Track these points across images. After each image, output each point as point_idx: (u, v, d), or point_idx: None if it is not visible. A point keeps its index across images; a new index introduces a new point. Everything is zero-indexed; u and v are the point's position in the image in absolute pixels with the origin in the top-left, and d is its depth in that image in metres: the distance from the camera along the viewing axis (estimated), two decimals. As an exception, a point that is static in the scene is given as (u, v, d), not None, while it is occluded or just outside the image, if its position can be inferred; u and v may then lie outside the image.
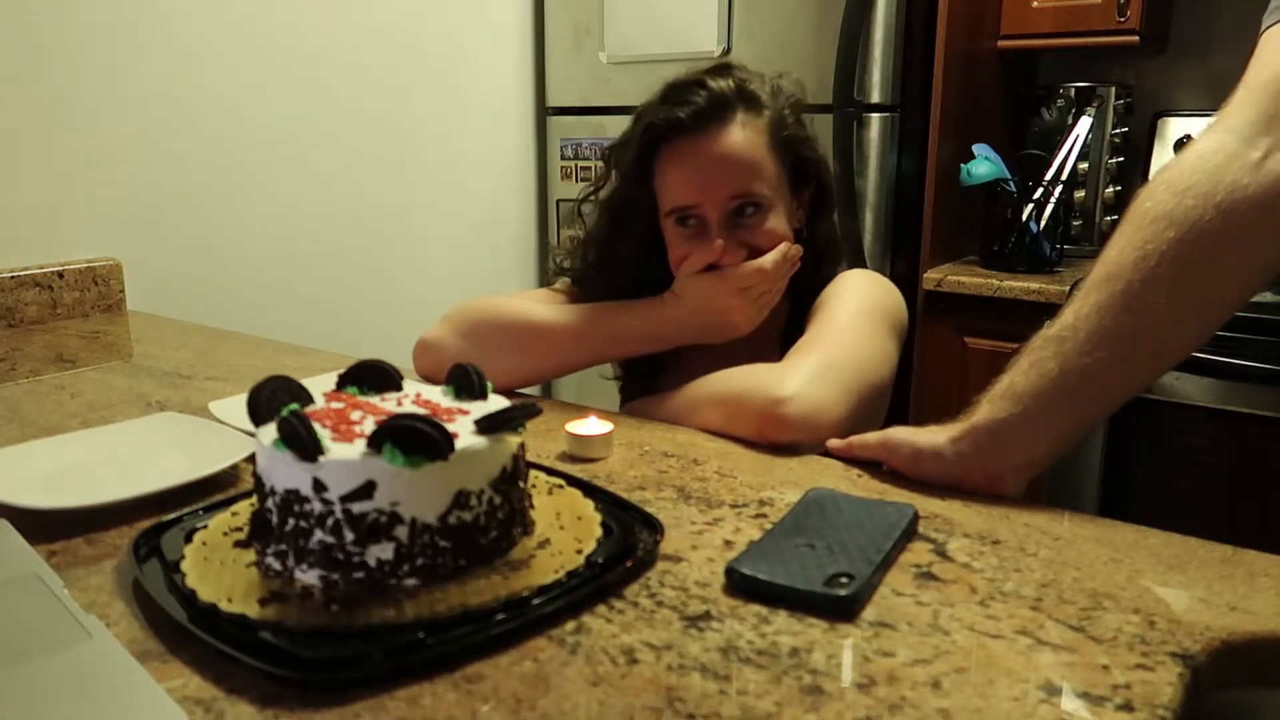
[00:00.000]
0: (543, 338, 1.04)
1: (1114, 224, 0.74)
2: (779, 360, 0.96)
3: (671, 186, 1.03)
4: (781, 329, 1.11)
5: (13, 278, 1.45)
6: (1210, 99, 2.13)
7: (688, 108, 1.01)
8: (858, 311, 1.02)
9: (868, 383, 0.94)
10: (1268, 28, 0.74)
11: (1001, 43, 2.12)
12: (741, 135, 1.01)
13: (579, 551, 0.61)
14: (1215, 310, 0.73)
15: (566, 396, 2.22)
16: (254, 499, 0.62)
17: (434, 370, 1.04)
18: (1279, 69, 0.71)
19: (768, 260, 1.01)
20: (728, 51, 2.05)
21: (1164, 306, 0.70)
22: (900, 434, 0.80)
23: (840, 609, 0.57)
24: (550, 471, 0.75)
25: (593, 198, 1.14)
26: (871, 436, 0.82)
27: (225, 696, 0.49)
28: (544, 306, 1.08)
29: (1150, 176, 0.74)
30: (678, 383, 1.00)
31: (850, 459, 0.83)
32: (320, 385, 0.70)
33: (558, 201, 2.40)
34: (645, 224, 1.07)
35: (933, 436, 0.77)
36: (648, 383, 1.14)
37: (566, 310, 1.06)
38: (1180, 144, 2.10)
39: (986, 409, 0.75)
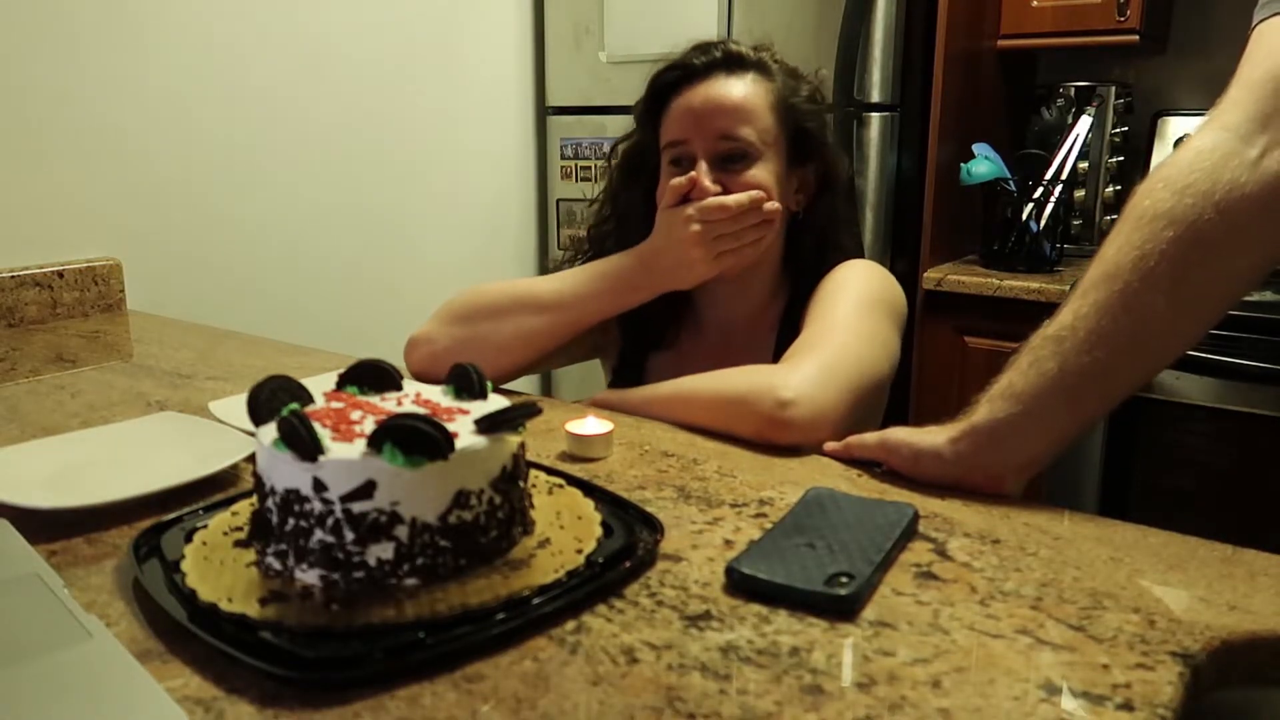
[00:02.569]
0: (530, 300, 1.06)
1: (1113, 223, 0.74)
2: (774, 349, 0.95)
3: (669, 124, 1.07)
4: (780, 316, 1.10)
5: (13, 278, 1.45)
6: (1210, 98, 2.11)
7: (704, 56, 1.06)
8: (856, 306, 1.01)
9: (868, 381, 0.94)
10: (1260, 21, 0.74)
11: (1001, 42, 2.12)
12: (745, 86, 1.05)
13: (579, 551, 0.61)
14: (1213, 308, 0.73)
15: (567, 395, 2.22)
16: (254, 499, 0.62)
17: (426, 365, 1.04)
18: (1274, 65, 0.70)
19: (731, 198, 1.00)
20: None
21: (1163, 306, 0.70)
22: (899, 434, 0.80)
23: (840, 608, 0.57)
24: (550, 471, 0.75)
25: (620, 146, 1.18)
26: (870, 437, 0.82)
27: (225, 696, 0.49)
28: (527, 279, 1.11)
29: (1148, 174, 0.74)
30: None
31: (849, 460, 0.83)
32: (320, 385, 0.69)
33: (558, 201, 2.40)
34: (653, 172, 1.10)
35: (932, 437, 0.77)
36: (639, 383, 1.13)
37: (550, 276, 1.09)
38: (1180, 143, 2.10)
39: (986, 409, 0.75)
